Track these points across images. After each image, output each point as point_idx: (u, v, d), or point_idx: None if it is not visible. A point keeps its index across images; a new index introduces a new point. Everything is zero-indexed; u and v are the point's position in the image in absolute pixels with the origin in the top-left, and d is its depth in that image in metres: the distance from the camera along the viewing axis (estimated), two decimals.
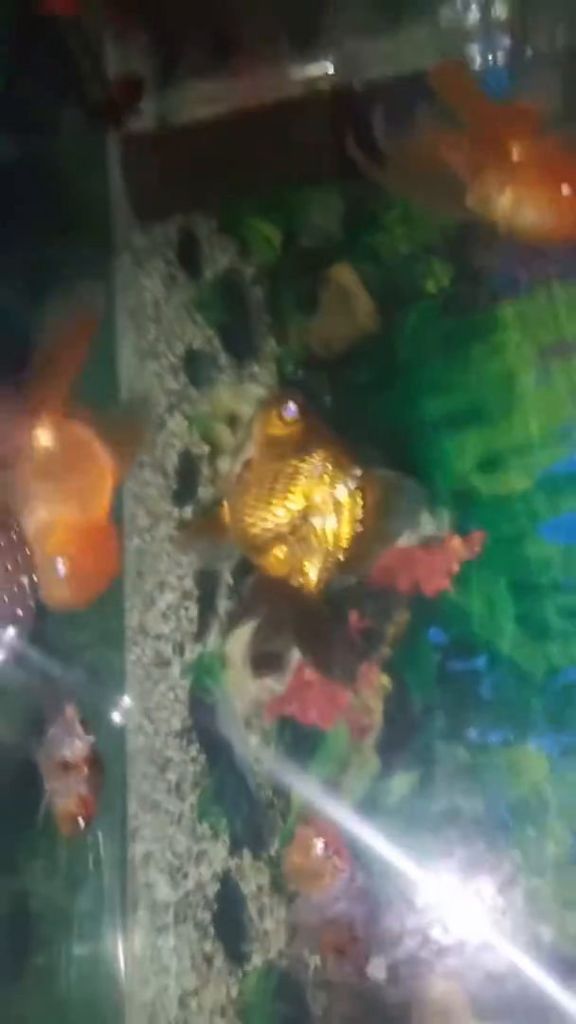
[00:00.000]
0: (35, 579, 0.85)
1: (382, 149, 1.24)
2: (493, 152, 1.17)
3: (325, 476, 0.95)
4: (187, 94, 1.63)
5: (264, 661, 1.28)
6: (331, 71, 1.66)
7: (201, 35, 1.66)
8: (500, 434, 1.37)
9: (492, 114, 1.21)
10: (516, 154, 1.16)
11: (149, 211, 1.59)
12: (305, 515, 0.95)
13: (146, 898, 1.21)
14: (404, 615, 1.28)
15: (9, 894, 1.17)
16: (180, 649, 1.33)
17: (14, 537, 0.86)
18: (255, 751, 1.25)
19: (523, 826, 1.15)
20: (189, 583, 1.36)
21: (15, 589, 0.83)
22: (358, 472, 0.95)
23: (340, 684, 1.21)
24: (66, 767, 1.03)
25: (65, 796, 1.03)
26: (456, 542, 1.29)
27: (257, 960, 1.16)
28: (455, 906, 1.12)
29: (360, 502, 0.94)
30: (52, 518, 0.92)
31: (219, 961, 1.16)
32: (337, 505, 0.94)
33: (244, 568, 1.35)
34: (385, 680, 1.23)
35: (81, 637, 1.24)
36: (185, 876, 1.21)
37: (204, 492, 1.41)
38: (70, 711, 1.06)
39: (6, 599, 0.83)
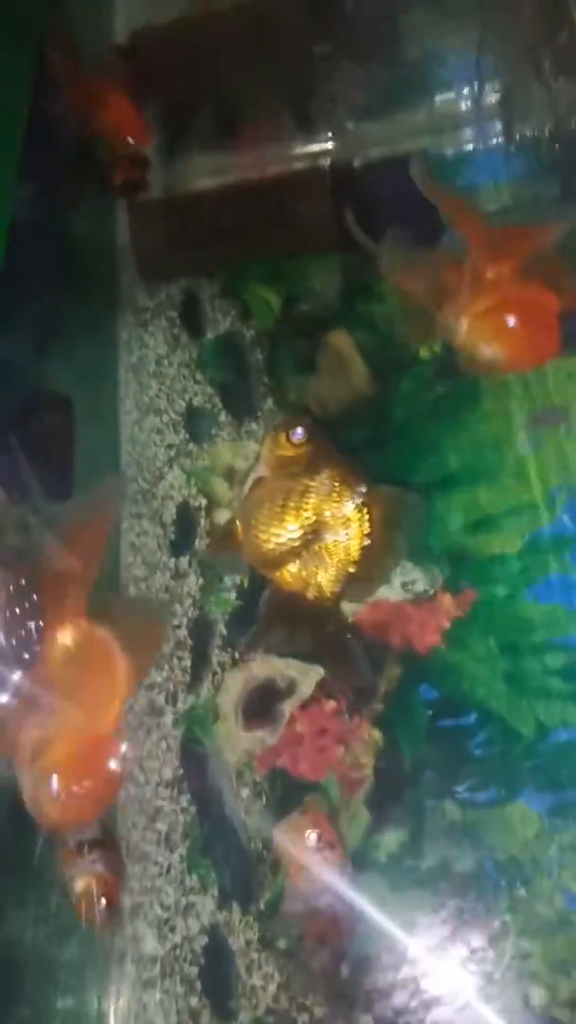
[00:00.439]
0: (41, 625, 0.83)
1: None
2: (454, 280, 1.11)
3: (333, 493, 0.97)
4: (194, 165, 1.65)
5: (256, 713, 1.25)
6: (331, 149, 1.69)
7: (208, 110, 1.69)
8: (490, 497, 1.37)
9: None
10: (472, 282, 1.09)
11: (154, 273, 1.60)
12: (316, 530, 0.97)
13: (133, 951, 1.16)
14: (395, 671, 1.26)
15: None
16: (173, 699, 1.30)
17: (23, 582, 0.83)
18: (246, 803, 1.21)
19: (513, 886, 1.12)
20: (183, 633, 1.34)
21: (23, 633, 0.81)
22: (363, 488, 0.97)
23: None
24: (79, 847, 0.93)
25: (82, 879, 0.90)
26: (447, 600, 1.28)
27: (244, 1017, 1.11)
28: (444, 966, 1.08)
29: (367, 516, 0.97)
30: (54, 729, 0.82)
31: (206, 1017, 1.11)
32: (346, 520, 0.96)
33: (239, 618, 1.34)
34: (376, 735, 1.21)
35: None
36: (173, 929, 1.16)
37: (200, 544, 1.39)
38: None
39: (14, 642, 0.80)
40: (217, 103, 1.68)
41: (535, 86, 1.50)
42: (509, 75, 1.60)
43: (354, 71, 1.70)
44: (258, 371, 1.51)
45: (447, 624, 1.27)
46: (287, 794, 1.20)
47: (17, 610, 0.82)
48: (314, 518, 0.96)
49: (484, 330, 1.02)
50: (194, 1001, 1.12)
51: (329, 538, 0.97)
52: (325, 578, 0.97)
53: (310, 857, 1.13)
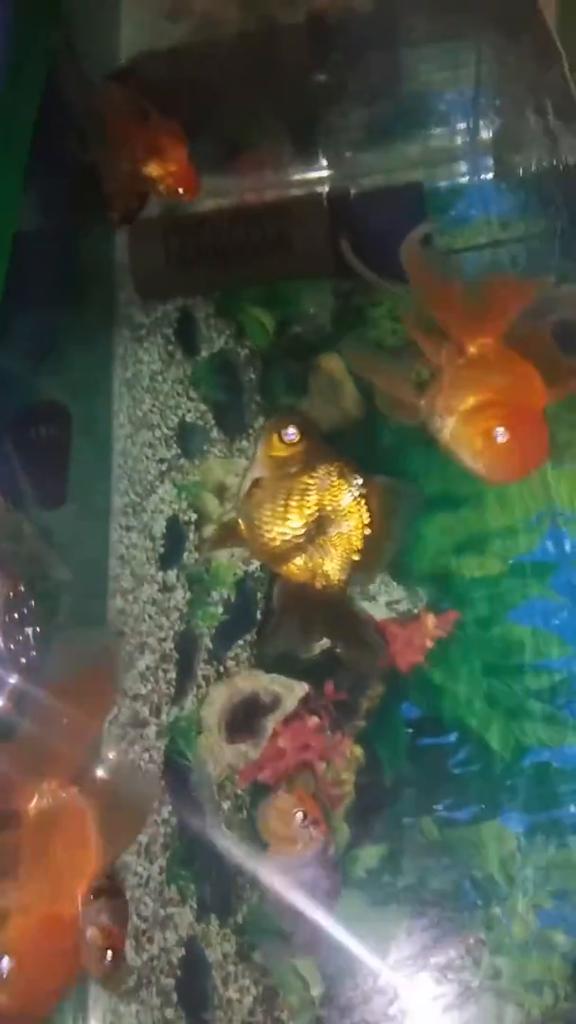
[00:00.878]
0: (38, 630, 0.82)
1: None
2: (434, 359, 1.05)
3: (331, 487, 1.00)
4: None
5: (239, 727, 1.25)
6: (328, 177, 1.71)
7: (209, 134, 1.70)
8: (475, 520, 1.38)
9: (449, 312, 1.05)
10: (453, 362, 1.01)
11: (152, 292, 1.60)
12: (319, 523, 0.99)
13: None
14: (378, 688, 1.25)
15: None
16: (157, 711, 1.29)
17: (22, 589, 0.83)
18: (227, 816, 1.20)
19: (489, 904, 1.12)
20: (169, 646, 1.33)
21: (20, 638, 0.80)
22: (359, 480, 1.00)
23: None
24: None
25: (86, 930, 0.80)
26: (430, 620, 1.28)
27: None
28: (420, 982, 1.07)
29: (365, 507, 1.00)
30: (14, 899, 0.74)
31: None
32: (346, 512, 0.99)
33: (225, 632, 1.33)
34: (358, 752, 1.20)
35: None
36: (151, 940, 1.14)
37: (189, 558, 1.39)
38: None
39: (12, 647, 0.79)
40: (217, 127, 1.69)
41: (530, 123, 1.52)
42: (504, 111, 1.62)
43: (353, 101, 1.72)
44: (251, 390, 1.52)
45: (430, 644, 1.27)
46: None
47: (16, 615, 0.81)
48: (316, 512, 0.99)
49: (470, 442, 0.95)
50: (170, 1013, 1.11)
51: (332, 530, 0.99)
52: (332, 568, 1.00)
53: (296, 833, 1.14)
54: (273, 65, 1.73)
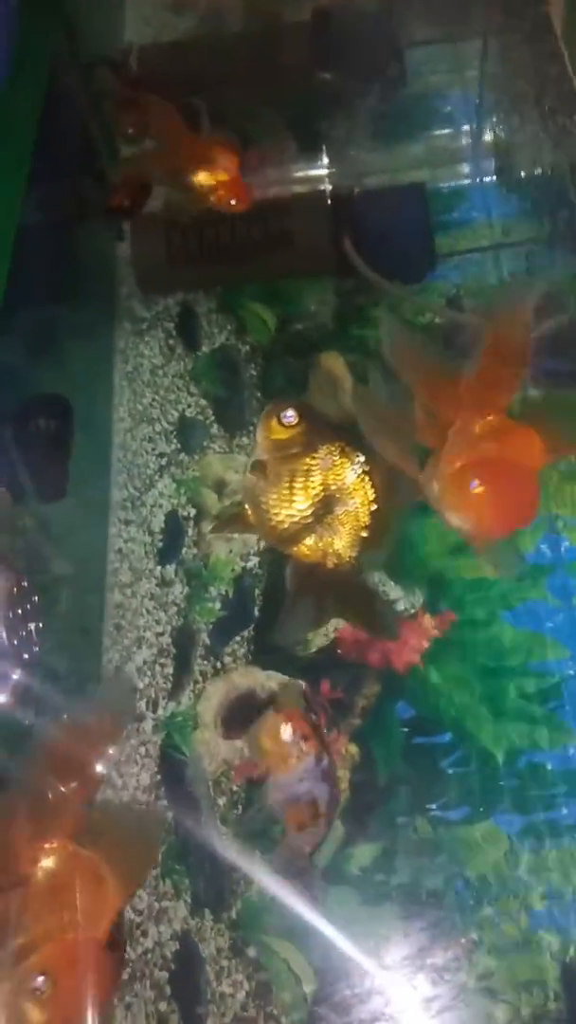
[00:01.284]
0: (41, 626, 0.81)
1: None
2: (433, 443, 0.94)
3: (335, 466, 0.99)
4: None
5: (235, 724, 1.24)
6: (331, 175, 1.70)
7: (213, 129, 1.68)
8: None
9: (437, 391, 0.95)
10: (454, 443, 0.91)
11: (153, 287, 1.59)
12: (325, 503, 0.98)
13: None
14: (374, 688, 1.25)
15: None
16: (153, 706, 1.28)
17: (24, 584, 0.82)
18: (222, 812, 1.20)
19: (481, 904, 1.12)
20: (167, 640, 1.32)
21: (23, 634, 0.79)
22: (362, 458, 0.99)
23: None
24: None
25: None
26: (427, 620, 1.28)
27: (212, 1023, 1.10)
28: (411, 981, 1.07)
29: (369, 483, 0.99)
30: (40, 932, 0.73)
31: (174, 1022, 1.09)
32: (351, 489, 0.98)
33: (222, 629, 1.33)
34: (353, 750, 1.20)
35: (57, 687, 1.18)
36: (144, 934, 1.14)
37: (187, 553, 1.38)
38: None
39: (15, 642, 0.79)
40: (220, 122, 1.68)
41: (533, 125, 1.52)
42: (508, 114, 1.62)
43: (357, 100, 1.71)
44: (251, 386, 1.51)
45: (426, 644, 1.27)
46: (263, 804, 1.19)
47: (19, 611, 0.80)
48: (322, 492, 0.98)
49: (447, 496, 0.88)
50: (163, 1006, 1.10)
51: (339, 509, 0.98)
52: (341, 545, 0.99)
53: (287, 749, 1.13)
54: (277, 61, 1.72)
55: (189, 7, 1.80)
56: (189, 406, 1.49)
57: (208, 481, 1.42)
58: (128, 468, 1.46)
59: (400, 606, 1.30)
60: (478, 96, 1.67)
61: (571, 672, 1.24)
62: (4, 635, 0.78)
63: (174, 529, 1.40)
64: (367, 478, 0.99)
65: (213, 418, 1.47)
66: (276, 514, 1.02)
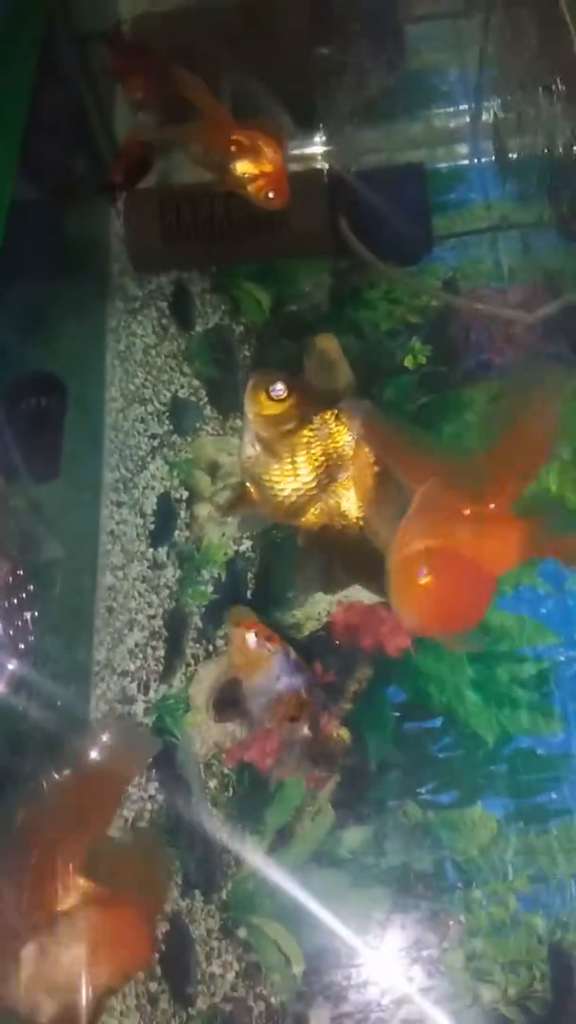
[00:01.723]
0: (36, 615, 0.82)
1: None
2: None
3: (333, 433, 1.01)
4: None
5: (226, 707, 1.26)
6: (327, 153, 1.69)
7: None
8: None
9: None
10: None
11: (147, 264, 1.59)
12: (328, 471, 1.01)
13: None
14: (366, 672, 1.27)
15: None
16: (145, 688, 1.29)
17: (20, 574, 0.83)
18: (213, 795, 1.21)
19: (469, 887, 1.14)
20: (158, 623, 1.33)
21: (18, 624, 0.80)
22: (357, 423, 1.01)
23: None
24: None
25: None
26: None
27: (202, 1003, 1.11)
28: (400, 962, 1.09)
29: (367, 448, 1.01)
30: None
31: (164, 1002, 1.11)
32: (351, 454, 1.01)
33: (214, 612, 1.33)
34: (345, 734, 1.22)
35: (47, 670, 1.19)
36: None
37: (180, 535, 1.38)
38: None
39: (11, 632, 0.79)
40: (215, 96, 1.66)
41: (533, 107, 1.51)
42: (508, 94, 1.61)
43: (355, 76, 1.70)
44: (245, 367, 1.51)
45: None
46: (254, 787, 1.21)
47: (15, 600, 0.81)
48: (323, 462, 0.99)
49: (392, 575, 0.81)
50: (153, 986, 1.12)
51: (342, 475, 1.00)
52: (349, 507, 1.01)
53: (256, 654, 1.18)
54: (274, 35, 1.70)
55: None
56: (182, 387, 1.49)
57: (201, 463, 1.43)
58: (120, 449, 1.46)
59: None
60: (478, 74, 1.66)
61: (562, 658, 1.26)
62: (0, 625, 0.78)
63: (166, 511, 1.40)
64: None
65: (206, 399, 1.48)
66: (281, 490, 1.03)
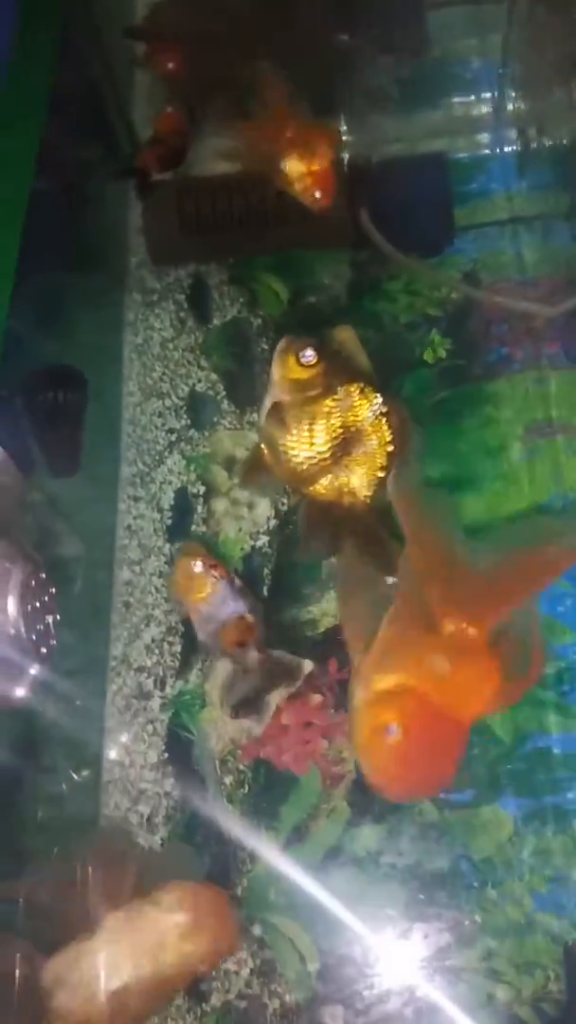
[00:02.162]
0: (58, 618, 0.83)
1: None
2: None
3: (354, 406, 1.03)
4: (209, 148, 1.63)
5: (243, 704, 1.27)
6: (348, 142, 1.68)
7: (224, 92, 1.67)
8: (484, 503, 1.39)
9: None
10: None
11: (165, 257, 1.59)
12: (344, 443, 1.02)
13: None
14: None
15: None
16: (161, 684, 1.31)
17: (43, 576, 0.84)
18: (228, 791, 1.23)
19: (485, 886, 1.15)
20: (175, 619, 1.34)
21: (40, 627, 0.81)
22: (380, 399, 1.03)
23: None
24: None
25: None
26: None
27: (216, 1000, 1.13)
28: (415, 961, 1.10)
29: (387, 424, 1.03)
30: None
31: (178, 999, 1.13)
32: (369, 430, 1.02)
33: None
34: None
35: (66, 665, 1.21)
36: None
37: (197, 530, 1.39)
38: None
39: (34, 637, 0.80)
40: (232, 85, 1.66)
41: (557, 97, 1.51)
42: (532, 83, 1.60)
43: (376, 64, 1.69)
44: (263, 361, 1.51)
45: None
46: (270, 784, 1.22)
47: (37, 604, 0.82)
48: (341, 433, 1.00)
49: (359, 730, 0.79)
50: None
51: (357, 449, 1.01)
52: (359, 485, 1.02)
53: (201, 580, 1.23)
54: (294, 21, 1.69)
55: None
56: (199, 381, 1.50)
57: (218, 458, 1.44)
58: (137, 443, 1.47)
59: None
60: (502, 62, 1.65)
61: None
62: (23, 630, 0.80)
63: (183, 506, 1.41)
64: (384, 419, 1.04)
65: (224, 393, 1.48)
66: (295, 455, 1.05)
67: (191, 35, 1.60)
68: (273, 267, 1.58)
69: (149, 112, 1.61)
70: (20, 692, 0.83)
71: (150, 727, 1.28)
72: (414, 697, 0.75)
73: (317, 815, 1.20)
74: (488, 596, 0.80)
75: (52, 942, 0.85)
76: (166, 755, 1.26)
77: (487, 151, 1.67)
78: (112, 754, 1.26)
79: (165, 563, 1.38)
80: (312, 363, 1.05)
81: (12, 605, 0.80)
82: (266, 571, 1.35)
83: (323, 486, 1.04)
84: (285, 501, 1.36)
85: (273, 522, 1.36)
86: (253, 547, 1.37)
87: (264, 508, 1.39)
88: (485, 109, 1.69)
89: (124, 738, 1.27)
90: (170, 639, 1.33)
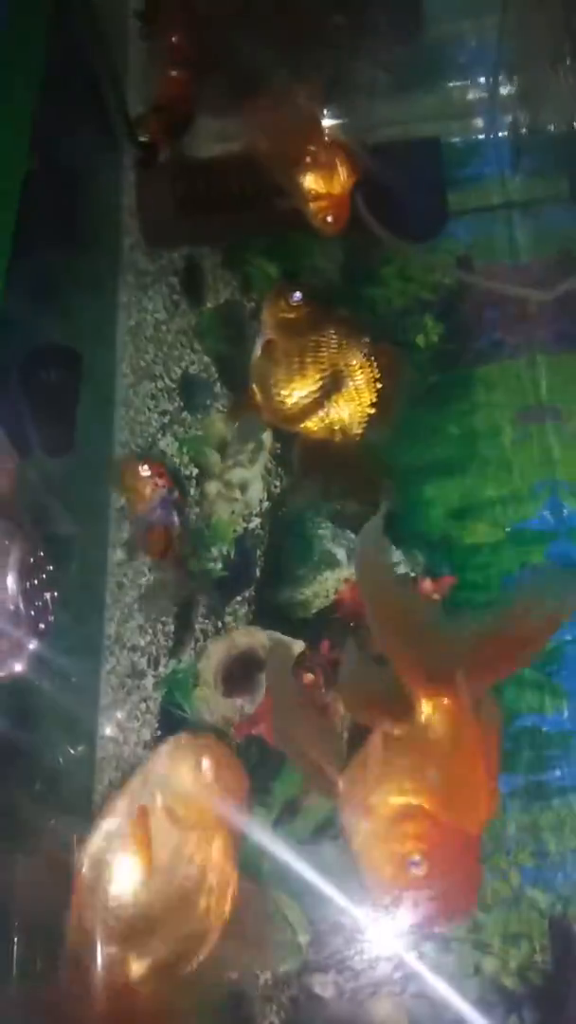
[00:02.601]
0: (56, 595, 0.86)
1: None
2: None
3: (341, 345, 1.09)
4: (203, 130, 1.65)
5: (236, 682, 1.30)
6: (343, 126, 1.70)
7: (219, 74, 1.69)
8: (476, 487, 1.42)
9: None
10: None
11: (159, 238, 1.61)
12: (333, 380, 1.06)
13: None
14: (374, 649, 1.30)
15: None
16: (155, 663, 1.34)
17: (41, 554, 0.86)
18: None
19: None
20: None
21: (39, 604, 0.84)
22: (367, 339, 1.09)
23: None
24: None
25: None
26: (427, 584, 1.32)
27: None
28: (404, 934, 1.14)
29: (375, 364, 1.08)
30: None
31: None
32: (357, 367, 1.07)
33: (223, 588, 1.37)
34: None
35: (61, 643, 1.23)
36: None
37: (189, 512, 1.42)
38: None
39: (32, 613, 0.83)
40: (227, 67, 1.68)
41: (552, 81, 1.53)
42: (527, 67, 1.62)
43: (370, 46, 1.71)
44: (256, 343, 1.53)
45: None
46: (262, 760, 1.25)
47: (35, 581, 0.85)
48: (329, 370, 1.03)
49: (379, 866, 0.78)
50: None
51: (346, 386, 1.06)
52: (350, 420, 1.05)
53: (144, 483, 1.32)
54: (288, 3, 1.71)
55: None
56: (192, 363, 1.52)
57: (211, 440, 1.46)
58: (131, 425, 1.49)
59: (400, 569, 1.35)
60: (497, 46, 1.67)
61: (568, 637, 1.30)
62: (21, 605, 0.82)
63: (176, 488, 1.43)
64: (372, 360, 1.09)
65: (217, 376, 1.50)
66: (284, 392, 1.08)
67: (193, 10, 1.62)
68: (267, 251, 1.60)
69: (144, 91, 1.63)
70: (19, 667, 0.85)
71: (143, 705, 1.31)
72: (427, 820, 0.74)
73: (309, 790, 1.23)
74: (464, 664, 0.78)
75: None
76: (159, 733, 1.29)
77: (482, 135, 1.70)
78: (107, 731, 1.29)
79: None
80: (300, 302, 1.08)
81: (12, 581, 0.82)
82: (258, 552, 1.38)
83: (315, 424, 1.07)
84: (278, 484, 1.39)
85: (266, 504, 1.39)
86: (246, 529, 1.39)
87: (257, 490, 1.41)
88: (480, 93, 1.71)
89: (118, 715, 1.30)
90: (164, 619, 1.36)
